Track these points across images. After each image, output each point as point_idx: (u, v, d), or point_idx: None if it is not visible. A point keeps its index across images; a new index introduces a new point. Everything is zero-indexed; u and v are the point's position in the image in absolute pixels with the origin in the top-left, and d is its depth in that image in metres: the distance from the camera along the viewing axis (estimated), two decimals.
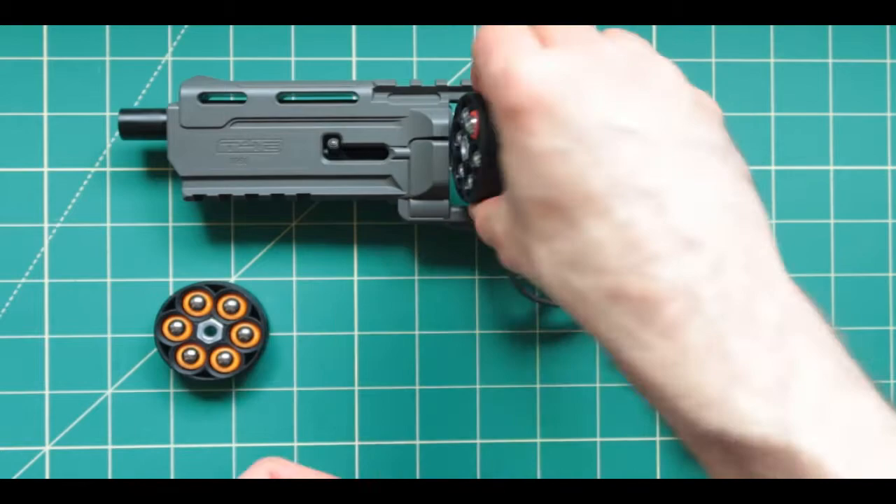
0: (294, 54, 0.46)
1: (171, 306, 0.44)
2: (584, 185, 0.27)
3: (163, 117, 0.42)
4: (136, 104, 0.45)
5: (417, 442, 0.46)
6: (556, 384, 0.46)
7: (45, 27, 0.45)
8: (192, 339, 0.44)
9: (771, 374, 0.25)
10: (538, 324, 0.46)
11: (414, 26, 0.46)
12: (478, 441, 0.46)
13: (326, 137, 0.42)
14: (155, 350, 0.44)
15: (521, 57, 0.29)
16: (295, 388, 0.45)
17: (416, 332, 0.46)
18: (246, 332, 0.44)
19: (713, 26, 0.47)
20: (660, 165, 0.27)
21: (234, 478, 0.34)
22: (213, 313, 0.44)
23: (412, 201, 0.42)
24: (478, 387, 0.46)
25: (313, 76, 0.45)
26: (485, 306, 0.46)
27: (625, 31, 0.32)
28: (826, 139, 0.47)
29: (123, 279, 0.45)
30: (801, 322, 0.27)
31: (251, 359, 0.44)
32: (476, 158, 0.35)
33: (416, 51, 0.46)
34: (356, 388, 0.46)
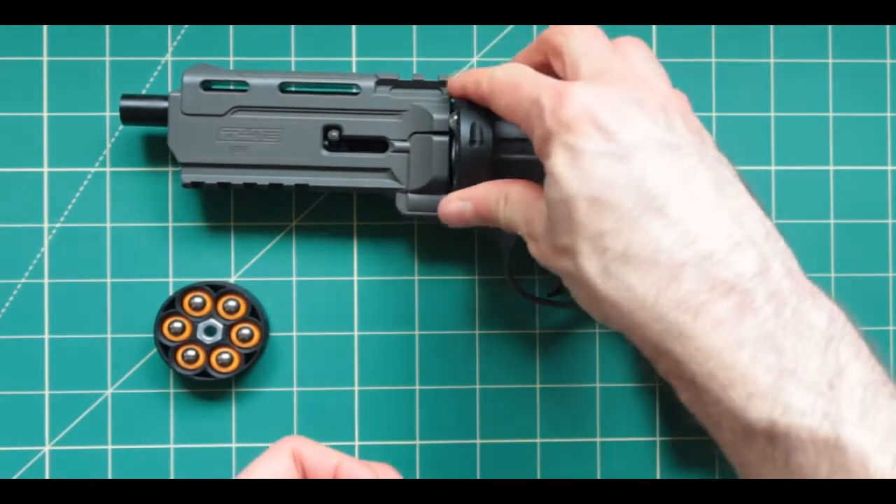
0: (294, 54, 0.46)
1: (171, 306, 0.44)
2: (641, 185, 0.29)
3: (164, 104, 0.42)
4: None
5: (417, 442, 0.46)
6: (556, 384, 0.46)
7: (45, 27, 0.45)
8: (192, 339, 0.44)
9: (820, 372, 0.27)
10: (538, 324, 0.46)
11: (414, 26, 0.46)
12: (478, 441, 0.46)
13: (327, 129, 0.42)
14: (155, 350, 0.44)
15: (570, 84, 0.32)
16: (295, 388, 0.45)
17: (416, 332, 0.46)
18: (246, 332, 0.44)
19: (713, 26, 0.47)
20: (707, 176, 0.30)
21: (245, 468, 0.34)
22: (213, 313, 0.44)
23: (410, 195, 0.42)
24: (478, 387, 0.46)
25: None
26: (485, 306, 0.46)
27: (634, 39, 0.36)
28: (826, 139, 0.47)
29: (123, 279, 0.45)
30: (844, 331, 0.28)
31: (251, 359, 0.44)
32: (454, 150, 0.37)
33: (415, 51, 0.46)
34: (356, 388, 0.46)
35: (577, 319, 0.46)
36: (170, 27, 0.45)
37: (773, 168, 0.47)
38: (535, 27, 0.46)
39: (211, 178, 0.42)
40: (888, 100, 0.47)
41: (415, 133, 0.41)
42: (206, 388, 0.45)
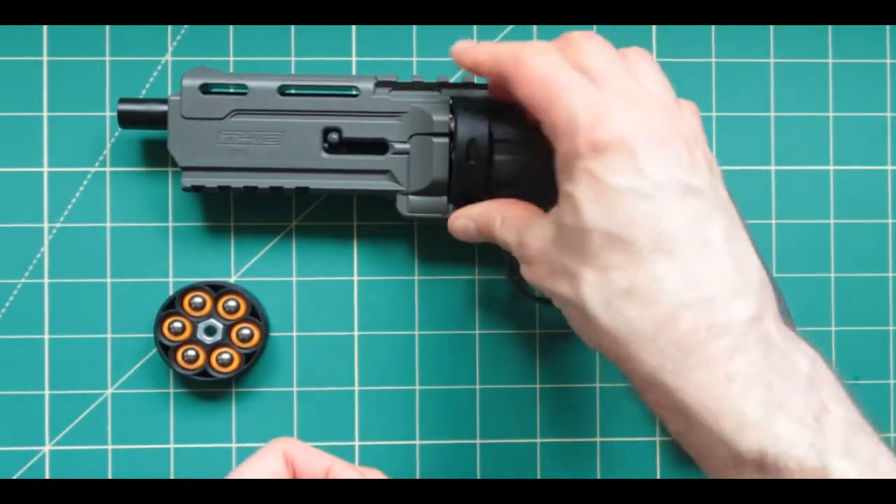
0: (294, 54, 0.46)
1: (171, 306, 0.44)
2: (657, 226, 0.30)
3: (163, 107, 0.42)
4: None
5: (417, 442, 0.46)
6: (556, 384, 0.46)
7: (45, 27, 0.45)
8: (192, 339, 0.44)
9: (806, 408, 0.28)
10: (538, 324, 0.46)
11: (414, 26, 0.46)
12: (478, 441, 0.46)
13: (327, 131, 0.42)
14: (155, 350, 0.44)
15: (607, 101, 0.32)
16: (295, 388, 0.45)
17: (416, 332, 0.46)
18: (246, 332, 0.44)
19: (713, 26, 0.47)
20: (716, 223, 0.31)
21: (236, 468, 0.34)
22: (213, 313, 0.44)
23: (411, 197, 0.42)
24: (478, 387, 0.46)
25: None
26: (485, 306, 0.46)
27: (642, 52, 0.36)
28: (826, 139, 0.47)
29: (123, 279, 0.45)
30: (826, 375, 0.30)
31: (251, 359, 0.44)
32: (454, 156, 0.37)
33: (415, 51, 0.46)
34: (356, 388, 0.46)
35: None
36: (170, 27, 0.45)
37: (773, 168, 0.47)
38: (535, 27, 0.46)
39: (211, 181, 0.42)
40: (888, 100, 0.47)
41: (415, 135, 0.41)
42: (206, 388, 0.45)
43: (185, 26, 0.45)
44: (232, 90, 0.42)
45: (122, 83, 0.45)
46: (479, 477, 0.46)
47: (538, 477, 0.46)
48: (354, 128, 0.42)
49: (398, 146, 0.42)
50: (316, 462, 0.35)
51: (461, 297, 0.46)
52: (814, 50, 0.47)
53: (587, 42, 0.34)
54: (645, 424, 0.46)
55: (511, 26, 0.46)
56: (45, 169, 0.45)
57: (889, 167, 0.47)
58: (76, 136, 0.45)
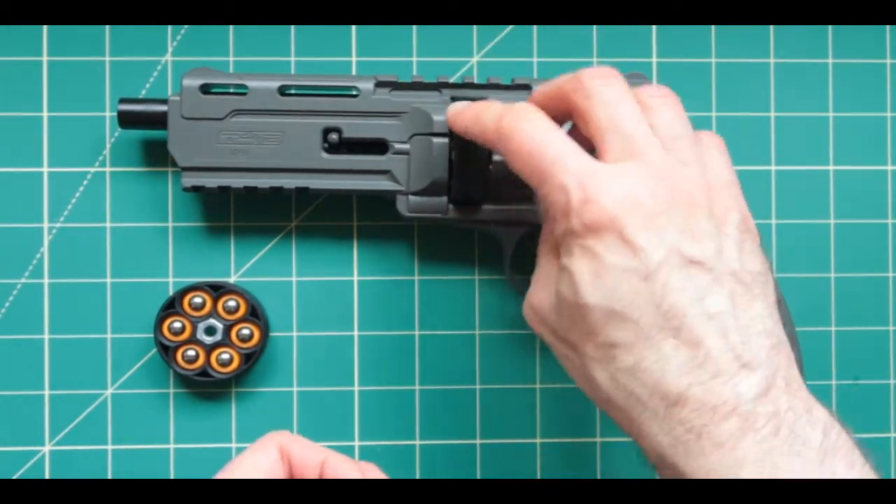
0: (294, 54, 0.46)
1: (171, 306, 0.44)
2: (660, 305, 0.29)
3: (163, 108, 0.42)
4: None
5: (417, 442, 0.46)
6: (556, 384, 0.46)
7: (45, 27, 0.45)
8: (192, 339, 0.44)
9: None
10: None
11: (414, 26, 0.46)
12: (478, 441, 0.46)
13: (327, 131, 0.42)
14: (155, 350, 0.44)
15: (597, 176, 0.31)
16: (295, 388, 0.45)
17: (416, 332, 0.46)
18: (246, 332, 0.44)
19: (713, 26, 0.47)
20: (721, 292, 0.30)
21: (230, 462, 0.34)
22: (213, 313, 0.44)
23: (411, 197, 0.42)
24: (478, 387, 0.46)
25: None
26: (485, 306, 0.46)
27: (662, 92, 0.33)
28: (826, 139, 0.47)
29: (123, 279, 0.45)
30: (838, 443, 0.29)
31: (251, 359, 0.44)
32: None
33: (415, 51, 0.46)
34: (356, 388, 0.46)
35: None
36: (170, 27, 0.45)
37: (773, 168, 0.47)
38: (535, 27, 0.46)
39: (211, 181, 0.42)
40: (888, 100, 0.47)
41: (415, 135, 0.41)
42: (206, 388, 0.45)
43: (185, 26, 0.45)
44: (232, 90, 0.42)
45: (122, 83, 0.45)
46: (479, 477, 0.46)
47: (538, 477, 0.46)
48: (354, 128, 0.42)
49: (398, 146, 0.42)
50: (311, 455, 0.35)
51: (461, 297, 0.46)
52: (814, 50, 0.47)
53: (596, 89, 0.32)
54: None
55: (511, 26, 0.46)
56: (45, 169, 0.45)
57: (889, 167, 0.47)
58: (76, 136, 0.45)
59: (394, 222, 0.45)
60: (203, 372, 0.44)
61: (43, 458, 0.45)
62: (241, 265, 0.45)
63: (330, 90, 0.42)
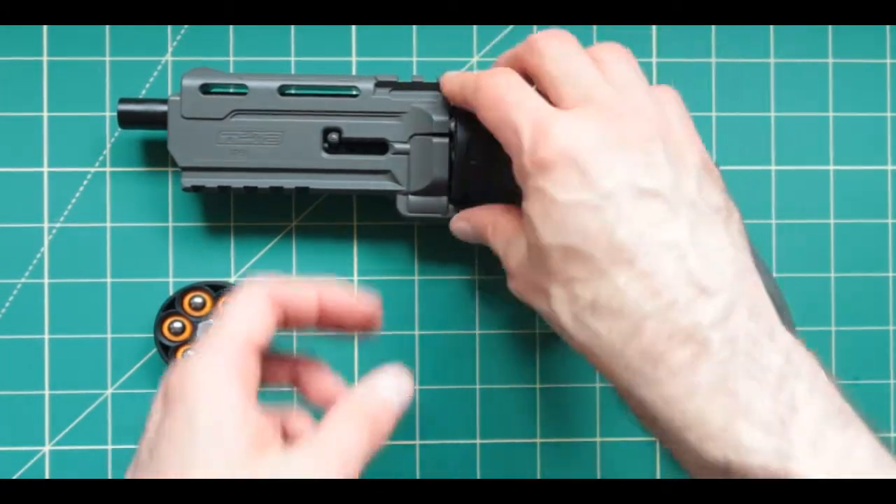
0: (294, 54, 0.46)
1: (171, 306, 0.44)
2: (612, 236, 0.29)
3: (163, 107, 0.42)
4: None
5: (417, 442, 0.46)
6: (556, 384, 0.46)
7: (45, 27, 0.45)
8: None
9: (771, 411, 0.28)
10: (538, 324, 0.46)
11: (414, 26, 0.46)
12: (478, 441, 0.46)
13: (327, 131, 0.42)
14: (155, 350, 0.44)
15: (551, 116, 0.31)
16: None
17: (416, 332, 0.46)
18: None
19: (713, 26, 0.47)
20: (677, 221, 0.30)
21: (227, 311, 0.31)
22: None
23: (411, 197, 0.42)
24: (478, 387, 0.46)
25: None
26: (485, 306, 0.46)
27: (613, 46, 0.34)
28: (826, 139, 0.47)
29: (123, 279, 0.45)
30: (801, 367, 0.29)
31: None
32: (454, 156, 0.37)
33: (415, 51, 0.46)
34: None
35: None
36: (170, 27, 0.45)
37: (773, 168, 0.47)
38: (534, 27, 0.46)
39: (211, 181, 0.42)
40: (888, 100, 0.47)
41: (415, 135, 0.41)
42: None
43: (185, 26, 0.45)
44: (232, 90, 0.42)
45: (122, 83, 0.45)
46: (479, 477, 0.46)
47: (538, 477, 0.46)
48: (354, 128, 0.42)
49: (398, 146, 0.42)
50: (304, 295, 0.32)
51: (461, 297, 0.46)
52: (814, 50, 0.47)
53: (545, 45, 0.34)
54: (651, 431, 0.46)
55: (511, 26, 0.46)
56: (45, 169, 0.45)
57: (889, 167, 0.47)
58: (76, 136, 0.45)
59: (394, 222, 0.45)
60: None
61: (43, 458, 0.45)
62: (241, 265, 0.45)
63: (330, 90, 0.42)
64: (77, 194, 0.45)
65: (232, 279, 0.45)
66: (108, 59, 0.45)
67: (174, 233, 0.45)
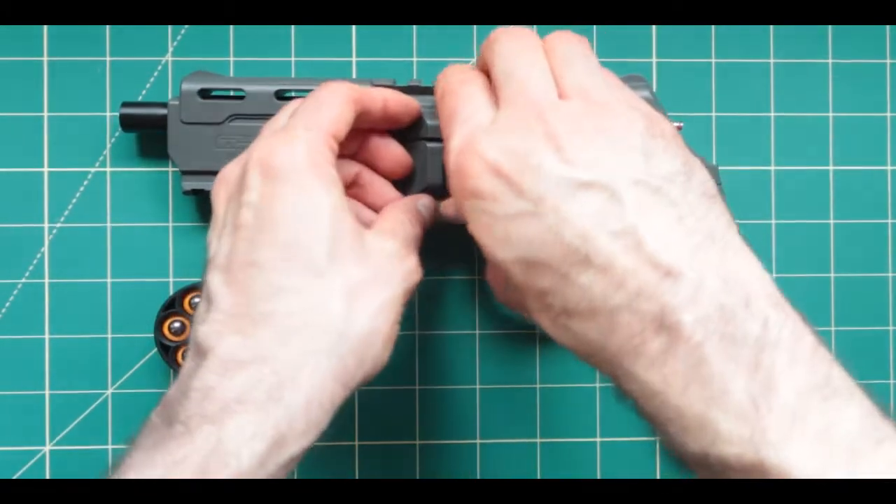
0: (294, 54, 0.46)
1: (171, 306, 0.44)
2: (559, 239, 0.28)
3: (163, 111, 0.42)
4: None
5: (417, 442, 0.46)
6: (556, 384, 0.46)
7: (45, 27, 0.45)
8: None
9: (746, 393, 0.27)
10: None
11: (414, 26, 0.46)
12: (478, 441, 0.46)
13: None
14: (155, 350, 0.44)
15: (474, 132, 0.31)
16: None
17: (416, 333, 0.46)
18: None
19: (713, 26, 0.47)
20: (624, 206, 0.28)
21: (301, 104, 0.36)
22: None
23: None
24: (478, 387, 0.46)
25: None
26: (485, 306, 0.46)
27: (562, 36, 0.33)
28: (826, 139, 0.47)
29: (123, 279, 0.45)
30: (780, 334, 0.27)
31: None
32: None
33: (415, 51, 0.46)
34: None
35: None
36: (170, 27, 0.45)
37: (773, 168, 0.47)
38: (534, 27, 0.46)
39: (211, 185, 0.42)
40: (888, 100, 0.47)
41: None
42: None
43: (185, 26, 0.45)
44: (231, 94, 0.42)
45: (123, 83, 0.45)
46: (479, 477, 0.46)
47: (538, 477, 0.46)
48: None
49: None
50: (374, 94, 0.37)
51: (461, 297, 0.46)
52: (814, 50, 0.47)
53: (496, 42, 0.33)
54: (645, 424, 0.46)
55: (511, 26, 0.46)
56: (46, 169, 0.45)
57: (889, 167, 0.47)
58: (76, 136, 0.45)
59: None
60: None
61: (43, 458, 0.45)
62: None
63: None
64: (77, 194, 0.45)
65: None
66: (108, 59, 0.45)
67: (174, 233, 0.45)
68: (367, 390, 0.45)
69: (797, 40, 0.47)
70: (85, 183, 0.45)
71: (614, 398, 0.32)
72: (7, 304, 0.45)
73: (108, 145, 0.45)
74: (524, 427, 0.46)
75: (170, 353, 0.44)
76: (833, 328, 0.47)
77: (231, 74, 0.45)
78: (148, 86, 0.45)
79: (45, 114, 0.45)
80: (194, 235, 0.45)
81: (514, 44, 0.33)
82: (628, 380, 0.29)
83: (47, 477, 0.45)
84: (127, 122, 0.42)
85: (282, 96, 0.42)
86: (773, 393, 0.26)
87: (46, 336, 0.45)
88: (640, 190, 0.29)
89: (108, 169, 0.45)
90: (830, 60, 0.47)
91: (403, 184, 0.42)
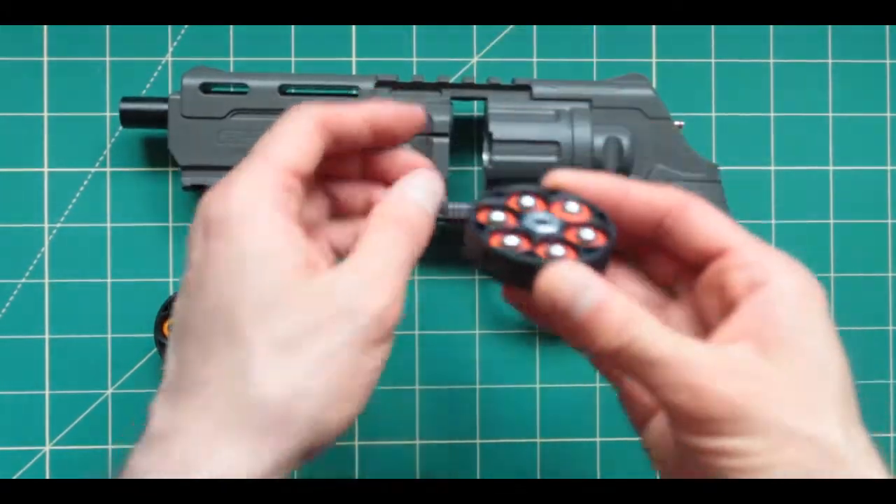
0: (294, 54, 0.46)
1: (171, 306, 0.44)
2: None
3: (164, 106, 0.42)
4: None
5: (417, 442, 0.46)
6: (556, 384, 0.46)
7: (45, 27, 0.45)
8: None
9: None
10: (538, 324, 0.46)
11: (414, 26, 0.46)
12: (478, 441, 0.46)
13: None
14: (155, 350, 0.44)
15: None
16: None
17: (416, 332, 0.46)
18: None
19: (713, 26, 0.47)
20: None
21: (261, 144, 0.31)
22: None
23: None
24: (478, 387, 0.46)
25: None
26: (485, 306, 0.46)
27: None
28: (826, 139, 0.47)
29: (123, 279, 0.45)
30: None
31: None
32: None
33: (415, 51, 0.46)
34: None
35: None
36: (170, 27, 0.45)
37: (773, 168, 0.47)
38: (535, 27, 0.46)
39: (212, 180, 0.42)
40: (888, 100, 0.47)
41: (415, 135, 0.41)
42: None
43: (185, 26, 0.45)
44: (232, 90, 0.42)
45: (123, 83, 0.45)
46: (479, 477, 0.46)
47: (538, 477, 0.46)
48: None
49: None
50: (350, 113, 0.31)
51: (461, 297, 0.46)
52: (814, 50, 0.47)
53: None
54: None
55: (511, 26, 0.46)
56: (46, 169, 0.45)
57: (889, 167, 0.47)
58: (76, 136, 0.45)
59: None
60: None
61: (43, 458, 0.45)
62: None
63: (330, 89, 0.42)
64: (77, 194, 0.45)
65: None
66: (108, 59, 0.45)
67: (174, 233, 0.45)
68: None
69: (797, 40, 0.47)
70: (85, 183, 0.45)
71: (616, 401, 0.32)
72: (7, 304, 0.45)
73: (108, 145, 0.45)
74: (524, 427, 0.46)
75: None
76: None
77: None
78: (148, 86, 0.45)
79: (45, 114, 0.45)
80: None
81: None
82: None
83: (47, 477, 0.45)
84: (127, 118, 0.42)
85: (285, 91, 0.42)
86: None
87: (46, 336, 0.45)
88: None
89: (108, 169, 0.45)
90: (830, 60, 0.47)
91: None
